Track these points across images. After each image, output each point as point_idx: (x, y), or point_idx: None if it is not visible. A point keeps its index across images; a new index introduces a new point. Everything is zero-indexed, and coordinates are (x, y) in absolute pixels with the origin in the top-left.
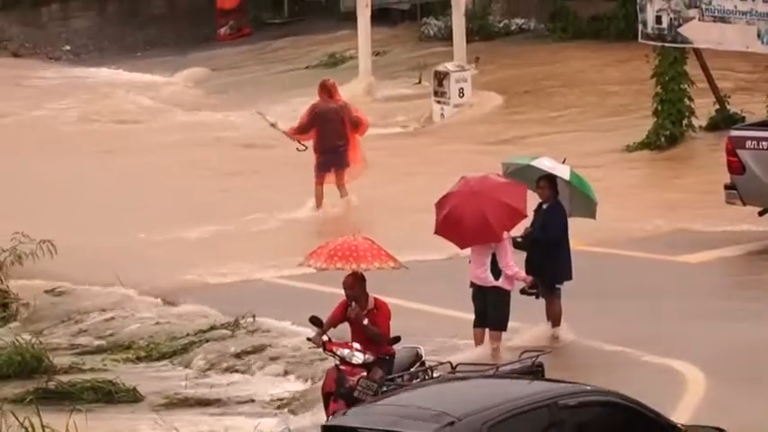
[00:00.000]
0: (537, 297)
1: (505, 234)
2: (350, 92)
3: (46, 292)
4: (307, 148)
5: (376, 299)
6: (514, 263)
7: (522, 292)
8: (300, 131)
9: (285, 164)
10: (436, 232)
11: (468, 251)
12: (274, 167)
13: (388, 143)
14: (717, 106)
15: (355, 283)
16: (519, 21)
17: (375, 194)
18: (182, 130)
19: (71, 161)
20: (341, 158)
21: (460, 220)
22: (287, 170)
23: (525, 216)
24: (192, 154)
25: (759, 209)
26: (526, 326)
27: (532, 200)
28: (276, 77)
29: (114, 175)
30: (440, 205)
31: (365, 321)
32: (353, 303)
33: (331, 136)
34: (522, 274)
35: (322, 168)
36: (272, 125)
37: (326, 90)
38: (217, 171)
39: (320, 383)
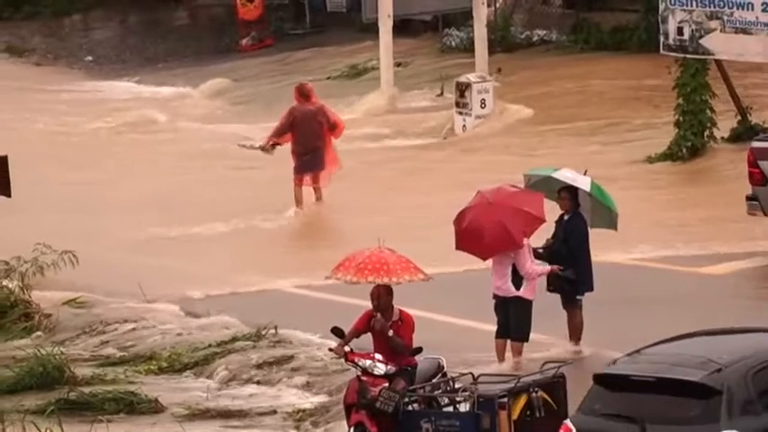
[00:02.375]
0: (568, 283)
1: (525, 240)
2: (371, 103)
3: (68, 302)
4: (274, 149)
5: (401, 310)
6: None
7: (550, 289)
8: (279, 134)
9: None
10: (457, 247)
11: (489, 263)
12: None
13: (410, 154)
14: (739, 117)
15: (383, 294)
16: (541, 32)
17: (397, 204)
18: (202, 141)
19: (91, 172)
20: (318, 160)
21: (480, 232)
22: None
23: (543, 221)
24: (211, 165)
25: None
26: (548, 337)
27: (554, 211)
28: None
29: (134, 186)
30: (458, 220)
31: (390, 333)
32: (379, 314)
33: (309, 138)
34: (546, 268)
35: (300, 170)
36: (253, 147)
37: (304, 93)
38: (239, 182)
39: (342, 394)
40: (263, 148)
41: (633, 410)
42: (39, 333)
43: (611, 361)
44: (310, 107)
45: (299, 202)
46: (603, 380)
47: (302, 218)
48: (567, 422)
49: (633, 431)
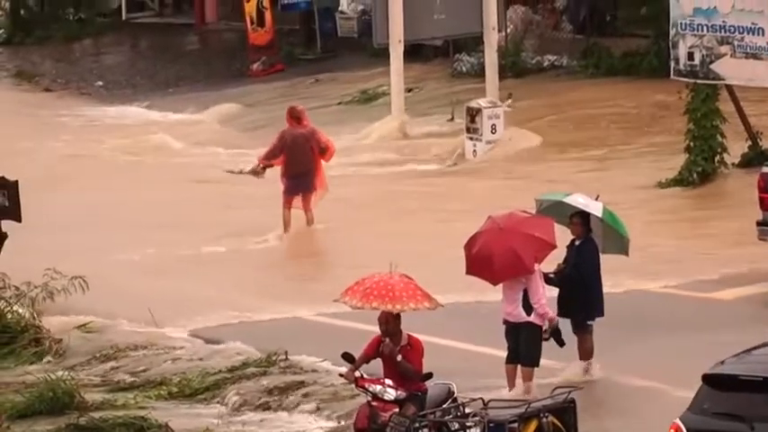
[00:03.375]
0: (561, 345)
1: (536, 266)
2: (382, 128)
3: (78, 327)
4: (265, 172)
5: (410, 335)
6: (546, 300)
7: (544, 338)
8: (270, 157)
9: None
10: (468, 272)
11: (499, 288)
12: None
13: (420, 179)
14: (749, 143)
15: (390, 320)
16: (551, 57)
17: (407, 229)
18: (207, 167)
19: (100, 196)
20: (308, 183)
21: (490, 257)
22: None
23: (554, 247)
24: (218, 190)
25: None
26: (558, 362)
27: (565, 236)
28: (309, 114)
29: (142, 209)
30: (469, 245)
31: (399, 358)
32: (387, 339)
33: (300, 161)
34: (551, 314)
35: (290, 192)
36: (243, 172)
37: (295, 116)
38: (246, 208)
39: (353, 420)
40: (254, 172)
41: (742, 410)
42: (49, 358)
43: (718, 362)
44: (302, 130)
45: (286, 225)
46: (712, 380)
47: (311, 241)
48: (677, 421)
49: (742, 430)
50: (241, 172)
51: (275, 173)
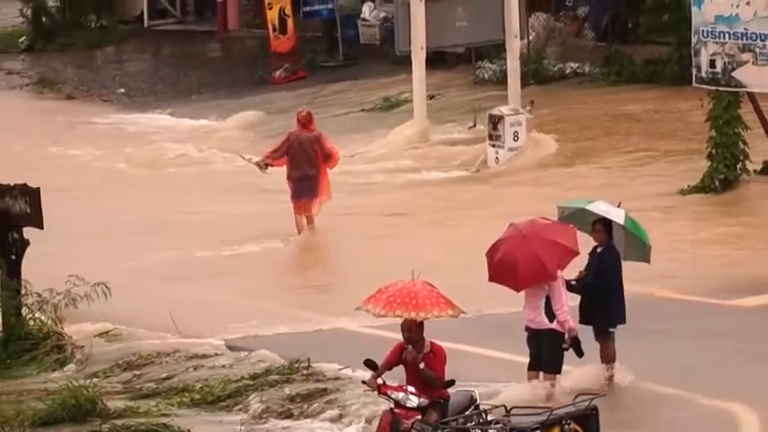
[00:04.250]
0: (579, 356)
1: (559, 273)
2: (404, 135)
3: (100, 335)
4: (267, 169)
5: (432, 343)
6: (568, 308)
7: (564, 347)
8: (274, 155)
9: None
10: (490, 279)
11: (521, 295)
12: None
13: (443, 186)
14: None
15: (414, 327)
16: (573, 65)
17: (428, 236)
18: (228, 174)
19: (122, 203)
20: (312, 187)
21: (514, 264)
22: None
23: (577, 253)
24: (240, 200)
25: None
26: (580, 369)
27: (587, 243)
28: (331, 120)
29: (163, 217)
30: (491, 252)
31: (422, 365)
32: (410, 347)
33: (303, 164)
34: (571, 323)
35: (297, 196)
36: (250, 161)
37: (303, 121)
38: (270, 219)
39: (375, 427)
40: (258, 165)
41: None
42: (71, 365)
43: None
44: (308, 134)
45: (299, 229)
46: None
47: (331, 249)
48: None
49: None
50: (250, 161)
51: (281, 176)
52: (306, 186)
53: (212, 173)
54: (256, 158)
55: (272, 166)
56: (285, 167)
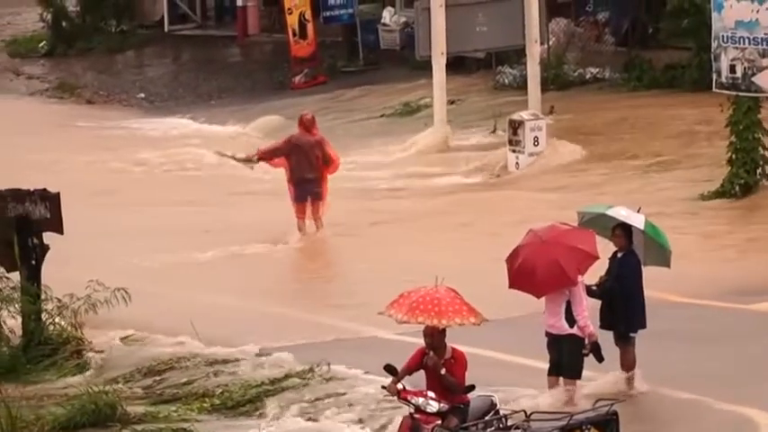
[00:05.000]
0: (600, 361)
1: (580, 278)
2: (425, 140)
3: (120, 340)
4: (256, 164)
5: (454, 348)
6: (588, 314)
7: (584, 353)
8: (271, 154)
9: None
10: (511, 286)
11: (541, 300)
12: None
13: (463, 192)
14: None
15: (436, 333)
16: (594, 70)
17: (449, 242)
18: (247, 180)
19: (141, 209)
20: (315, 190)
21: (533, 270)
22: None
23: (597, 258)
24: (258, 205)
25: None
26: (600, 375)
27: (607, 248)
28: (351, 126)
29: (186, 225)
30: (510, 259)
31: (443, 371)
32: (431, 352)
33: (305, 167)
34: (591, 329)
35: (299, 200)
36: (234, 157)
37: (304, 124)
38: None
39: None
40: (247, 160)
41: None
42: (91, 370)
43: None
44: (310, 138)
45: (301, 231)
46: None
47: (350, 254)
48: None
49: None
50: (233, 157)
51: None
52: (308, 189)
53: (230, 177)
54: (243, 155)
55: (266, 162)
56: (285, 170)
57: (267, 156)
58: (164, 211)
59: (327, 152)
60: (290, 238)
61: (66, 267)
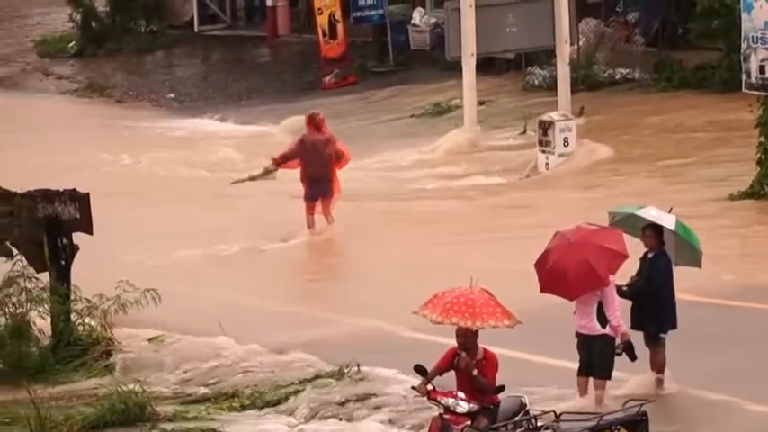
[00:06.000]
0: (633, 360)
1: (611, 277)
2: (454, 141)
3: (150, 340)
4: (275, 172)
5: (485, 349)
6: (620, 314)
7: (617, 352)
8: (286, 159)
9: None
10: (542, 290)
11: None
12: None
13: (493, 192)
14: None
15: (469, 334)
16: (623, 71)
17: (480, 243)
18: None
19: (172, 210)
20: (326, 188)
21: (564, 273)
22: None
23: (626, 257)
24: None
25: None
26: (630, 375)
27: (638, 249)
28: (381, 126)
29: (211, 221)
30: (540, 263)
31: (475, 372)
32: (463, 353)
33: (317, 166)
34: (624, 328)
35: (310, 198)
36: (251, 176)
37: (314, 123)
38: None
39: None
40: (266, 172)
41: None
42: (120, 371)
43: None
44: (320, 136)
45: (310, 227)
46: None
47: (379, 253)
48: None
49: None
50: (251, 178)
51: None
52: (320, 187)
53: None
54: (258, 171)
55: (283, 168)
56: (299, 169)
57: (284, 161)
58: (184, 210)
59: (338, 149)
60: (299, 234)
61: (94, 268)
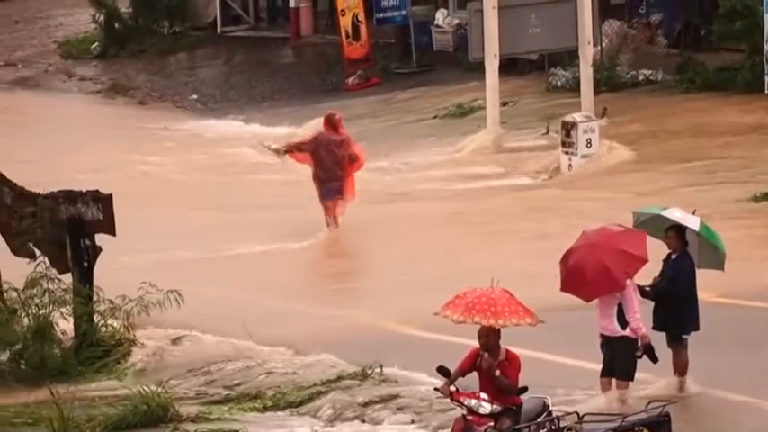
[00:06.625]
0: (654, 362)
1: (629, 282)
2: (477, 142)
3: (173, 341)
4: (284, 156)
5: (507, 350)
6: (640, 316)
7: (637, 355)
8: (297, 148)
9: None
10: (562, 289)
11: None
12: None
13: (516, 193)
14: None
15: (491, 334)
16: (646, 72)
17: (503, 244)
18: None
19: (195, 212)
20: (339, 189)
21: (582, 274)
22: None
23: (646, 261)
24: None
25: None
26: (653, 376)
27: (661, 249)
28: (405, 127)
29: (238, 226)
30: (563, 261)
31: (497, 373)
32: (486, 354)
33: (330, 166)
34: (644, 331)
35: (325, 197)
36: (270, 148)
37: (331, 123)
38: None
39: None
40: (276, 151)
41: None
42: (143, 371)
43: None
44: (335, 137)
45: (329, 227)
46: None
47: (400, 255)
48: None
49: None
50: (269, 147)
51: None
52: (332, 188)
53: (279, 179)
54: (275, 145)
55: (291, 157)
56: (311, 167)
57: (292, 148)
58: (203, 211)
59: (353, 151)
60: (317, 235)
61: (117, 269)
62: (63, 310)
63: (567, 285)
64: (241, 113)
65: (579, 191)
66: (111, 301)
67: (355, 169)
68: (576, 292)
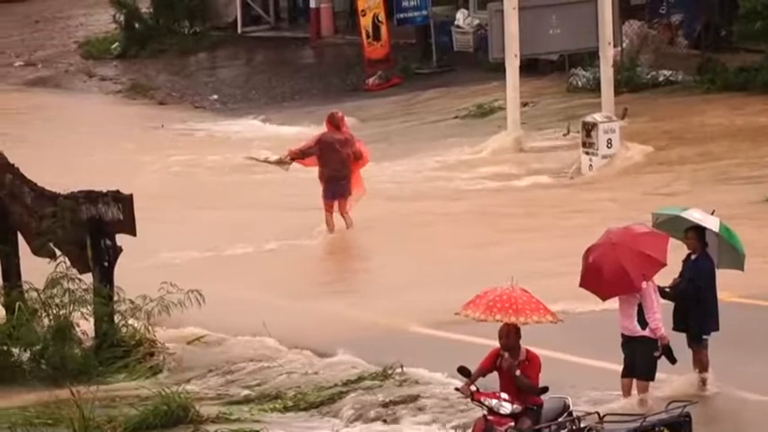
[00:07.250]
0: (673, 363)
1: (646, 284)
2: (498, 142)
3: (193, 341)
4: (290, 165)
5: (528, 350)
6: (660, 316)
7: (656, 355)
8: (303, 154)
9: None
10: (581, 285)
11: (615, 301)
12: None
13: (537, 194)
14: None
15: (511, 333)
16: (667, 72)
17: (523, 243)
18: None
19: (215, 213)
20: (344, 187)
21: (600, 272)
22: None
23: (664, 265)
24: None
25: None
26: (674, 376)
27: (681, 250)
28: (425, 127)
29: (259, 227)
30: (585, 257)
31: (518, 372)
32: (506, 354)
33: (335, 165)
34: (662, 332)
35: (329, 197)
36: (267, 161)
37: (334, 122)
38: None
39: None
40: (280, 162)
41: None
42: (163, 372)
43: None
44: (339, 136)
45: (330, 227)
46: None
47: (424, 255)
48: None
49: None
50: (266, 160)
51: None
52: (338, 187)
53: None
54: (275, 157)
55: (297, 162)
56: (318, 167)
57: (297, 155)
58: (219, 211)
59: (357, 148)
60: (318, 233)
61: (138, 269)
62: (83, 310)
63: (585, 282)
64: (261, 113)
65: (599, 191)
66: (132, 302)
67: (360, 166)
68: (593, 290)
